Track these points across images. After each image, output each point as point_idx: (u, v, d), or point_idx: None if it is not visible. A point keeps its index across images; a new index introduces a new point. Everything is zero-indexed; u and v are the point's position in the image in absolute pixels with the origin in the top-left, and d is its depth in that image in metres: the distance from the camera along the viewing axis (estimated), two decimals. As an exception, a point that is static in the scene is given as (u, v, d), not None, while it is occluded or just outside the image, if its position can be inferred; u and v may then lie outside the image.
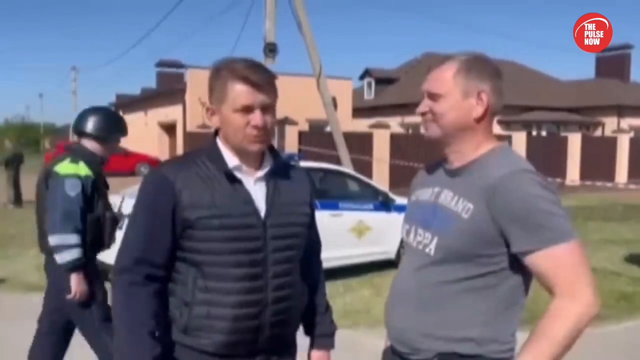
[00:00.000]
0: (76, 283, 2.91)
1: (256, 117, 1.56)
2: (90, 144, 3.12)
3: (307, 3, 10.17)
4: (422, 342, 1.51)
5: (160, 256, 1.56)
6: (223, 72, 1.58)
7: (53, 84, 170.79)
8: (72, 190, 2.90)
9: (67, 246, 2.86)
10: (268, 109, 1.59)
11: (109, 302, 1.70)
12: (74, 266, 2.88)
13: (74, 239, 2.87)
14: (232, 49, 21.77)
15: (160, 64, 33.64)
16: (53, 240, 2.86)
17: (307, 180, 1.82)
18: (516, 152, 1.57)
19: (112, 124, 3.20)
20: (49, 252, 2.97)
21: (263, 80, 1.57)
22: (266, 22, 10.36)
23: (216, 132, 1.69)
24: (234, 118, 1.56)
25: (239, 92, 1.55)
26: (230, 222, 1.56)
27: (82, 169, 2.98)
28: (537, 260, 1.40)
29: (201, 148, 1.69)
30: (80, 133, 3.13)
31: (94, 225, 2.99)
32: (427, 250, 1.53)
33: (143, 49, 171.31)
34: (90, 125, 3.10)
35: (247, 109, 1.55)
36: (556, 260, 1.39)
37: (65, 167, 2.96)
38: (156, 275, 1.57)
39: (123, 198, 5.23)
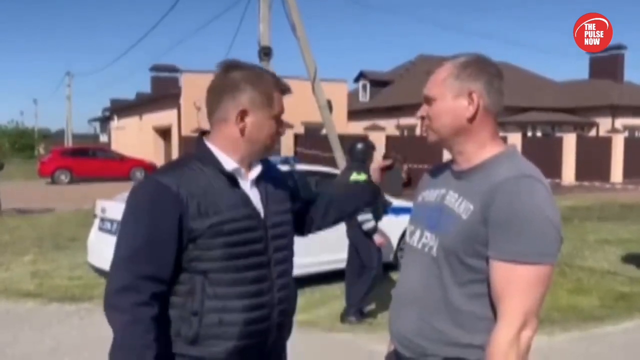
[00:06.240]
0: None
1: (283, 125, 1.71)
2: None
3: (301, 6, 10.18)
4: (428, 347, 1.49)
5: (165, 271, 1.51)
6: (267, 78, 1.65)
7: (47, 89, 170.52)
8: None
9: None
10: None
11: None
12: None
13: None
14: (226, 53, 21.80)
15: (154, 68, 33.57)
16: None
17: (285, 178, 1.88)
18: (523, 157, 1.54)
19: None
20: None
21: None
22: (260, 26, 10.34)
23: (201, 135, 1.67)
24: (271, 124, 1.65)
25: (280, 100, 1.67)
26: (237, 226, 1.55)
27: None
28: (495, 267, 1.39)
29: (191, 153, 1.67)
30: None
31: None
32: (431, 252, 1.51)
33: (137, 54, 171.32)
34: None
35: (279, 117, 1.68)
36: (510, 277, 1.36)
37: None
38: (161, 292, 1.51)
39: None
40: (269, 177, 1.73)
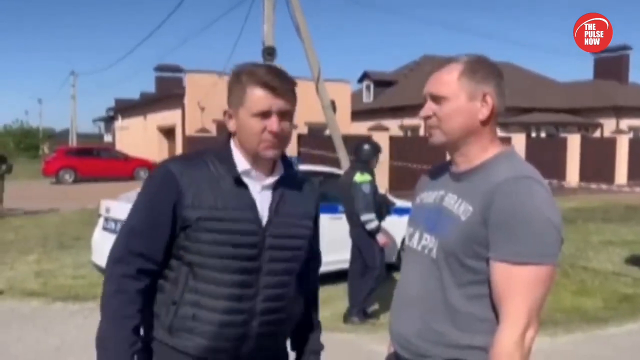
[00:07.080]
0: None
1: (272, 123, 1.54)
2: None
3: (305, 6, 10.17)
4: (428, 349, 1.49)
5: (155, 251, 1.54)
6: (243, 76, 1.56)
7: (52, 89, 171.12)
8: None
9: None
10: (285, 115, 1.57)
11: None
12: None
13: None
14: (230, 53, 21.80)
15: (158, 68, 33.58)
16: None
17: (315, 193, 1.78)
18: (522, 158, 1.53)
19: None
20: None
21: (282, 86, 1.55)
22: (264, 26, 10.35)
23: (230, 133, 1.67)
24: (251, 123, 1.55)
25: (257, 97, 1.54)
26: (229, 227, 1.53)
27: None
28: (495, 268, 1.38)
29: (213, 147, 1.67)
30: None
31: None
32: (431, 254, 1.51)
33: (142, 53, 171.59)
34: None
35: (265, 115, 1.54)
36: (510, 277, 1.36)
37: None
38: (149, 270, 1.55)
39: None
40: (292, 187, 1.69)
